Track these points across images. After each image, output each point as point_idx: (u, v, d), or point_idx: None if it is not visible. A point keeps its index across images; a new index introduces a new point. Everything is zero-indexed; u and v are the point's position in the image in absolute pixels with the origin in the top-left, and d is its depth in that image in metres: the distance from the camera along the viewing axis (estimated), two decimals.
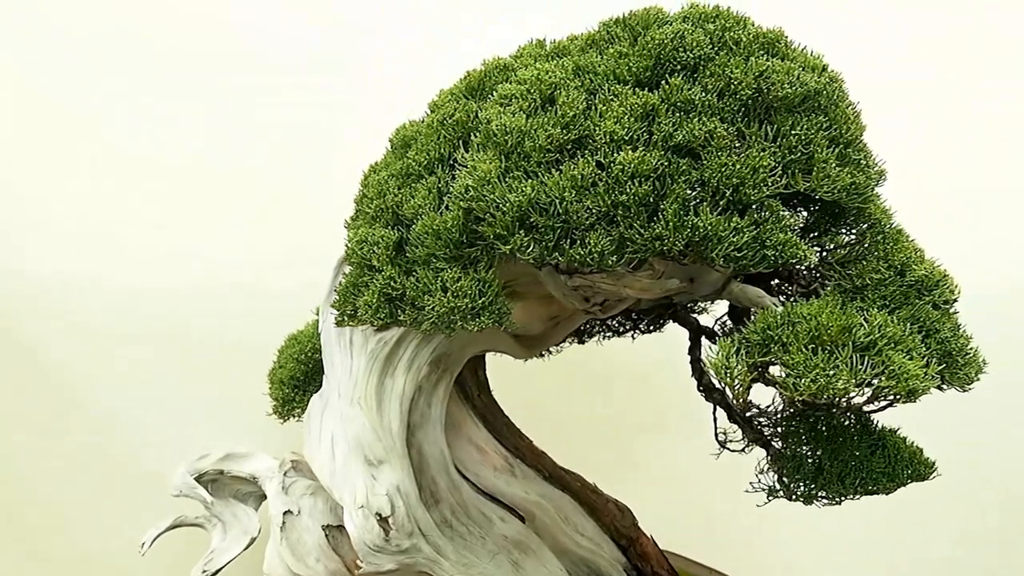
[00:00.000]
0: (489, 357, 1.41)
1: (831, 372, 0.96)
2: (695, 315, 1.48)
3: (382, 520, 1.12)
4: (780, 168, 1.01)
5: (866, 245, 1.15)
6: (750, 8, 1.14)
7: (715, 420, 1.34)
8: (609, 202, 0.95)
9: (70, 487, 1.88)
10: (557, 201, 0.96)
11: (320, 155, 1.86)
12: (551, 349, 1.61)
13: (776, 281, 1.29)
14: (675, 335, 1.48)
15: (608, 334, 1.60)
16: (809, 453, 1.24)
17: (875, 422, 1.25)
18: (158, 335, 1.88)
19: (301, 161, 1.88)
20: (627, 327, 1.59)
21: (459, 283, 0.99)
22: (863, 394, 1.00)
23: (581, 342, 1.61)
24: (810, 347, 0.97)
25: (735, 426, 1.32)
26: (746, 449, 1.32)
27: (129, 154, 1.86)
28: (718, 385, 1.32)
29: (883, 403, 1.09)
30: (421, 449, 1.21)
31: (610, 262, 0.95)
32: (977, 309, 1.74)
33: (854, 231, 1.19)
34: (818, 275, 1.19)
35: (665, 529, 1.53)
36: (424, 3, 1.92)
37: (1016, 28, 1.84)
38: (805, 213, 1.24)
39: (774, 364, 0.98)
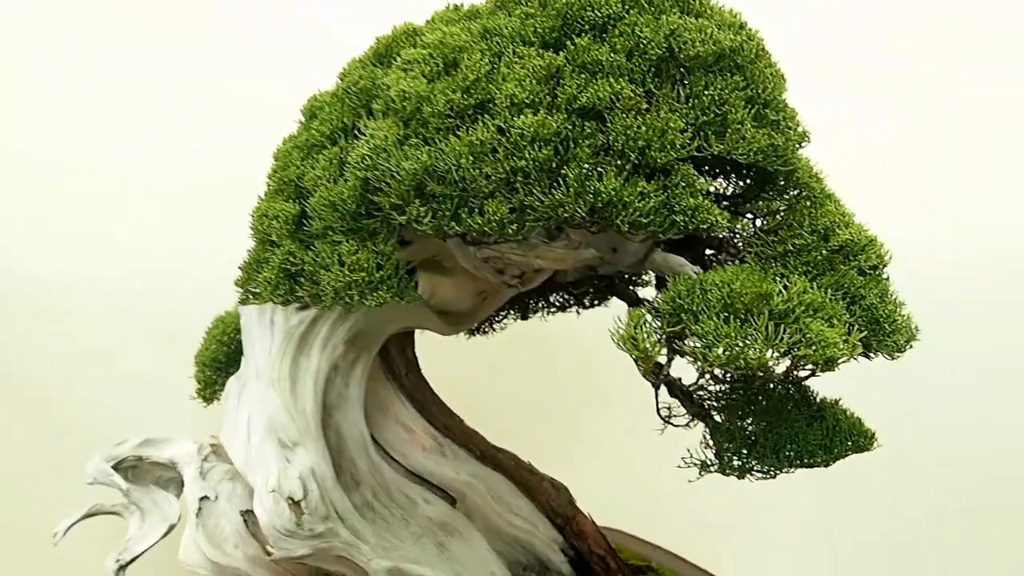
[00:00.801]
0: (422, 335, 1.37)
1: (744, 341, 0.92)
2: (635, 288, 1.44)
3: (294, 504, 1.08)
4: (692, 130, 0.97)
5: (795, 211, 1.11)
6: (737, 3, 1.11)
7: (656, 395, 1.30)
8: (508, 168, 0.91)
9: (70, 487, 1.85)
10: (454, 168, 0.91)
11: None
12: (494, 326, 1.58)
13: (711, 252, 1.25)
14: (621, 309, 1.44)
15: (552, 310, 1.57)
16: (748, 426, 1.20)
17: (815, 393, 1.21)
18: (158, 335, 1.84)
19: None
20: (570, 302, 1.55)
21: (356, 256, 0.95)
22: (779, 363, 0.96)
23: (524, 318, 1.57)
24: (722, 315, 0.93)
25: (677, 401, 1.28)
26: (690, 424, 1.28)
27: (128, 154, 1.82)
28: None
29: (805, 372, 1.06)
30: (339, 430, 1.17)
31: (510, 231, 0.91)
32: (953, 297, 1.82)
33: (785, 198, 1.15)
34: (752, 244, 1.15)
35: (608, 506, 1.50)
36: None
37: (993, 18, 1.84)
38: (740, 182, 1.20)
39: (686, 335, 0.94)
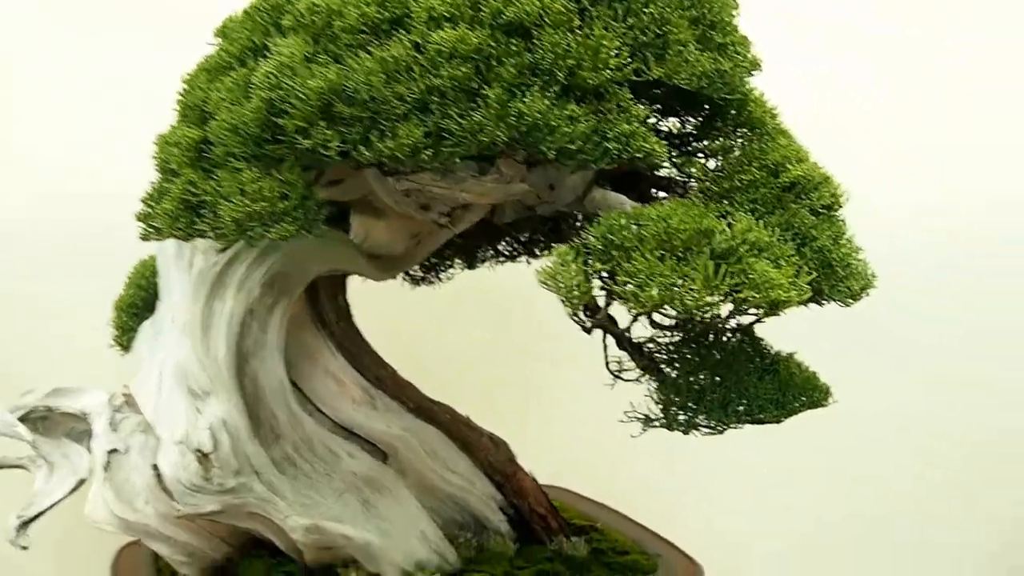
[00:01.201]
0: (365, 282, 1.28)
1: (681, 281, 0.84)
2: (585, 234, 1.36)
3: (203, 457, 1.00)
4: (629, 51, 0.89)
5: (747, 147, 1.03)
6: None
7: (605, 347, 1.23)
8: (423, 87, 0.83)
9: None
10: (364, 88, 0.83)
11: None
12: (441, 276, 1.50)
13: (663, 195, 1.18)
14: None
15: (501, 259, 1.49)
16: (700, 380, 1.14)
17: (768, 346, 1.14)
18: None
19: None
20: (519, 251, 1.47)
21: (258, 185, 0.86)
22: (720, 307, 0.89)
23: (471, 267, 1.49)
24: (657, 253, 0.85)
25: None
26: (641, 379, 1.21)
27: (129, 154, 1.71)
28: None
29: (750, 318, 0.99)
30: (256, 379, 1.09)
31: (425, 156, 0.83)
32: (940, 263, 1.83)
33: (737, 134, 1.08)
34: (699, 180, 1.07)
35: (557, 465, 1.43)
36: None
37: None
38: (691, 119, 1.13)
39: (619, 274, 0.87)
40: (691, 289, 0.84)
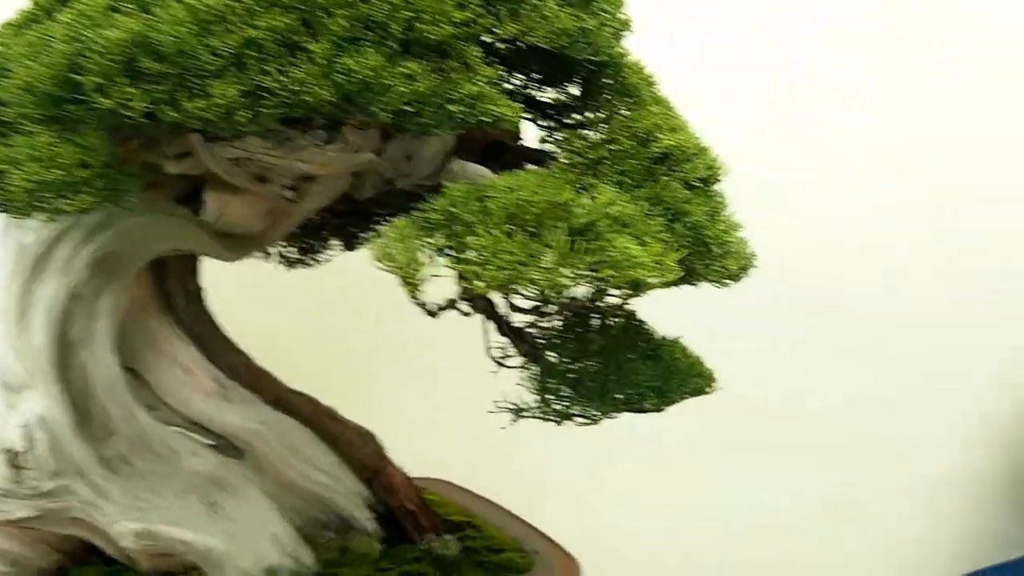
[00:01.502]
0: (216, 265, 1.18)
1: (528, 259, 0.77)
2: None
3: (14, 457, 0.90)
4: (480, 5, 0.80)
5: (618, 115, 0.96)
6: None
7: (485, 333, 1.15)
8: (240, 40, 0.73)
9: None
10: (171, 40, 0.73)
11: None
12: (316, 258, 1.40)
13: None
14: None
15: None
16: (589, 366, 1.06)
17: (652, 331, 1.07)
18: None
19: None
20: None
21: (54, 151, 0.76)
22: (578, 287, 0.81)
23: (350, 248, 1.40)
24: (505, 228, 0.77)
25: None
26: (525, 366, 1.14)
27: None
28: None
29: (616, 300, 0.92)
30: (85, 371, 0.98)
31: (242, 118, 0.74)
32: (927, 265, 1.86)
33: (612, 103, 1.00)
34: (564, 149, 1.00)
35: (436, 457, 1.36)
36: None
37: None
38: (571, 90, 1.05)
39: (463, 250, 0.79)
40: (541, 268, 0.76)
